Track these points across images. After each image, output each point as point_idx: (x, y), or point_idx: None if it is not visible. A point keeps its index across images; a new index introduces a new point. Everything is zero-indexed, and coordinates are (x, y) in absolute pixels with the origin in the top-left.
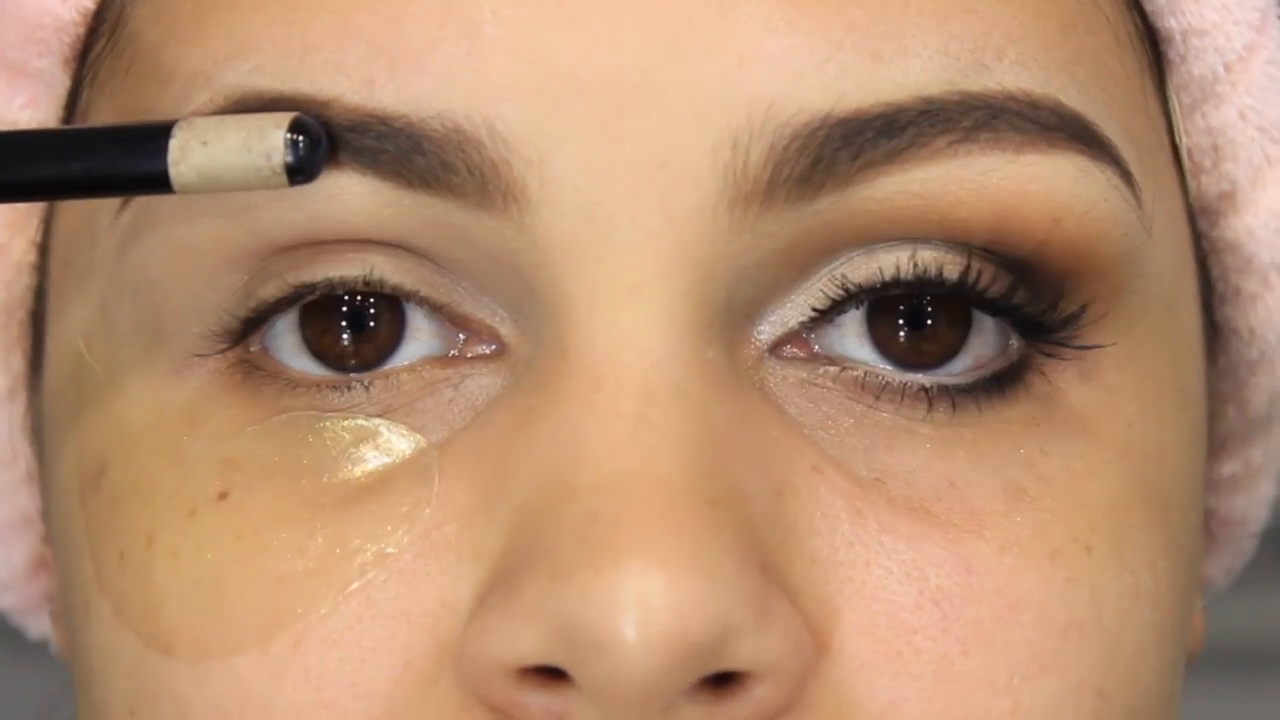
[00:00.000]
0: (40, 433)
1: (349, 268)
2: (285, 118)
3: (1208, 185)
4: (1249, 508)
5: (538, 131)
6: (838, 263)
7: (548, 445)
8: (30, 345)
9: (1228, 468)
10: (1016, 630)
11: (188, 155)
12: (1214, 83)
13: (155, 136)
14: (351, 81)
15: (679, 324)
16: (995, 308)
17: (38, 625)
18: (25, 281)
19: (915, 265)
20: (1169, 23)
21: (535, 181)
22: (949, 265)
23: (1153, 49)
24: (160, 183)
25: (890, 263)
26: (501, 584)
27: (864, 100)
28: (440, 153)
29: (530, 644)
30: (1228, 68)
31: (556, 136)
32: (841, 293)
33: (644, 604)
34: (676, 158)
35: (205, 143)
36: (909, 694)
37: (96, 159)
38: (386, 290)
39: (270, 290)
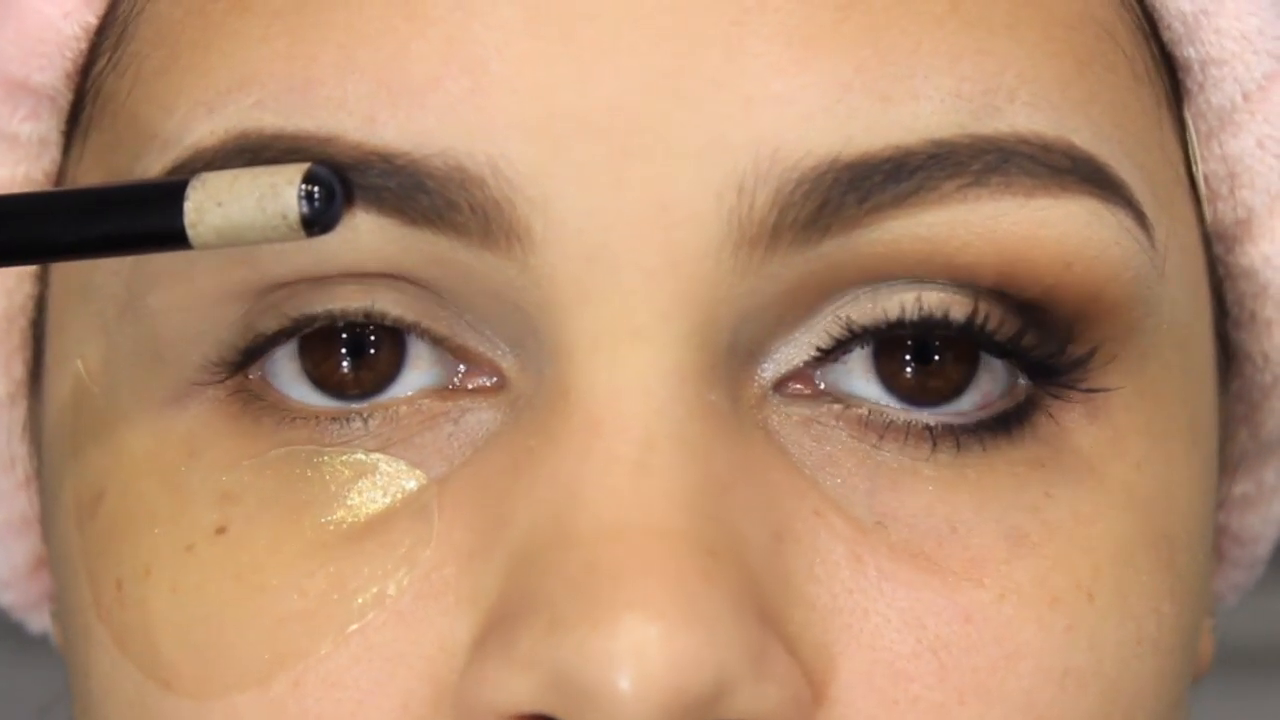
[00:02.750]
0: (39, 439)
1: (350, 300)
2: (298, 171)
3: (1224, 212)
4: (1261, 526)
5: (542, 172)
6: (842, 302)
7: (546, 490)
8: (31, 353)
9: (1240, 487)
10: (1014, 679)
11: (204, 216)
12: (1232, 111)
13: (168, 195)
14: (354, 119)
15: (681, 367)
16: (1003, 350)
17: (39, 621)
18: (26, 290)
19: (921, 308)
20: (1187, 52)
21: (540, 223)
22: (955, 307)
23: (1170, 76)
24: (178, 240)
25: (895, 304)
26: (498, 630)
27: (872, 144)
28: (443, 191)
29: (526, 693)
30: (1246, 97)
31: (561, 177)
32: (846, 333)
33: (640, 657)
34: (680, 201)
35: (220, 204)
36: None
37: (112, 221)
38: (388, 322)
39: (269, 323)
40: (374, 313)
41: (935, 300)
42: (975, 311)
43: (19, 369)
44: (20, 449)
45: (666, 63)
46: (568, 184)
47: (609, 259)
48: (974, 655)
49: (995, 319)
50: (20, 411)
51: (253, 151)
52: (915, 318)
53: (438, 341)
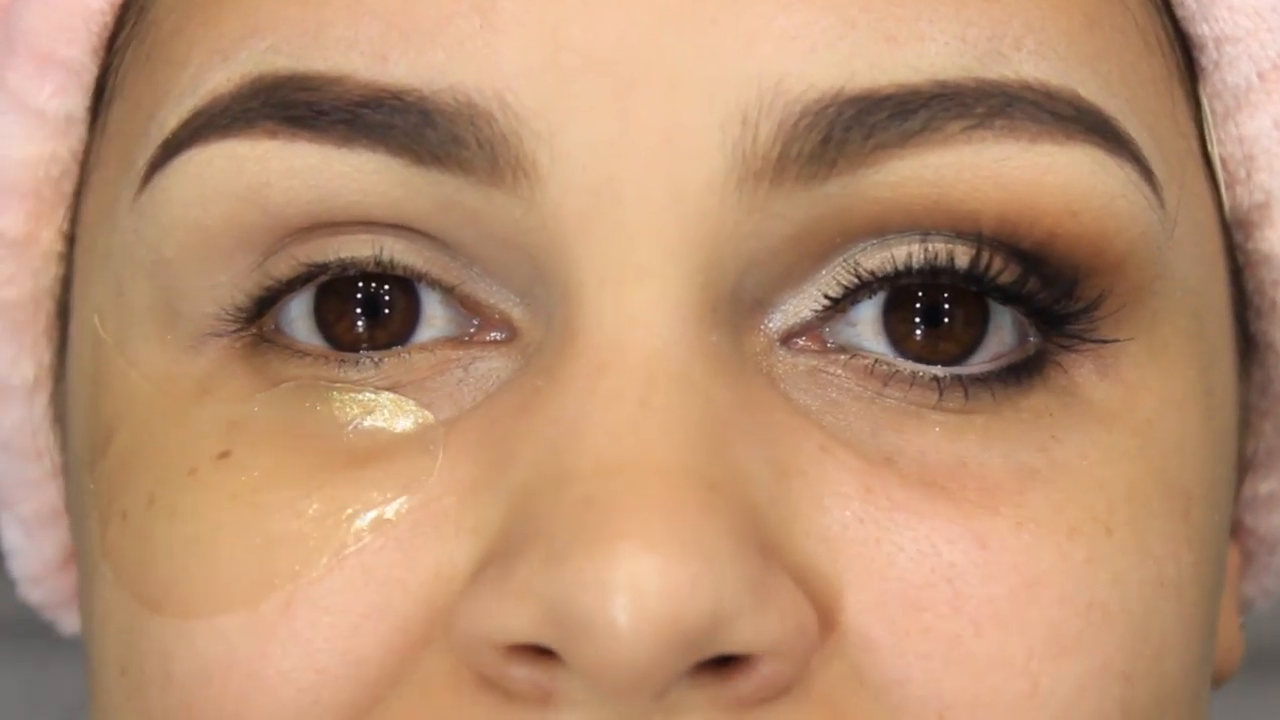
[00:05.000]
0: (64, 422)
1: (360, 249)
2: None
3: (1242, 196)
4: None
5: (548, 105)
6: (850, 251)
7: (550, 428)
8: (58, 336)
9: (1265, 485)
10: (1035, 609)
11: None
12: (1248, 91)
13: None
14: (364, 58)
15: (684, 307)
16: (1008, 295)
17: (70, 621)
18: (53, 272)
19: (926, 252)
20: (1201, 29)
21: (546, 157)
22: (960, 253)
23: (1184, 55)
24: None
25: (903, 250)
26: (497, 561)
27: (876, 80)
28: (451, 126)
29: (522, 624)
30: (1261, 76)
31: (567, 111)
32: (854, 279)
33: (636, 589)
34: (685, 133)
35: None
36: (915, 673)
37: None
38: (397, 271)
39: (282, 269)
40: (383, 260)
41: (941, 247)
42: (979, 256)
43: (46, 353)
44: (47, 438)
45: None
46: (573, 117)
47: (613, 193)
48: (991, 584)
49: (999, 263)
50: (46, 396)
51: (267, 93)
52: (921, 263)
53: (449, 291)
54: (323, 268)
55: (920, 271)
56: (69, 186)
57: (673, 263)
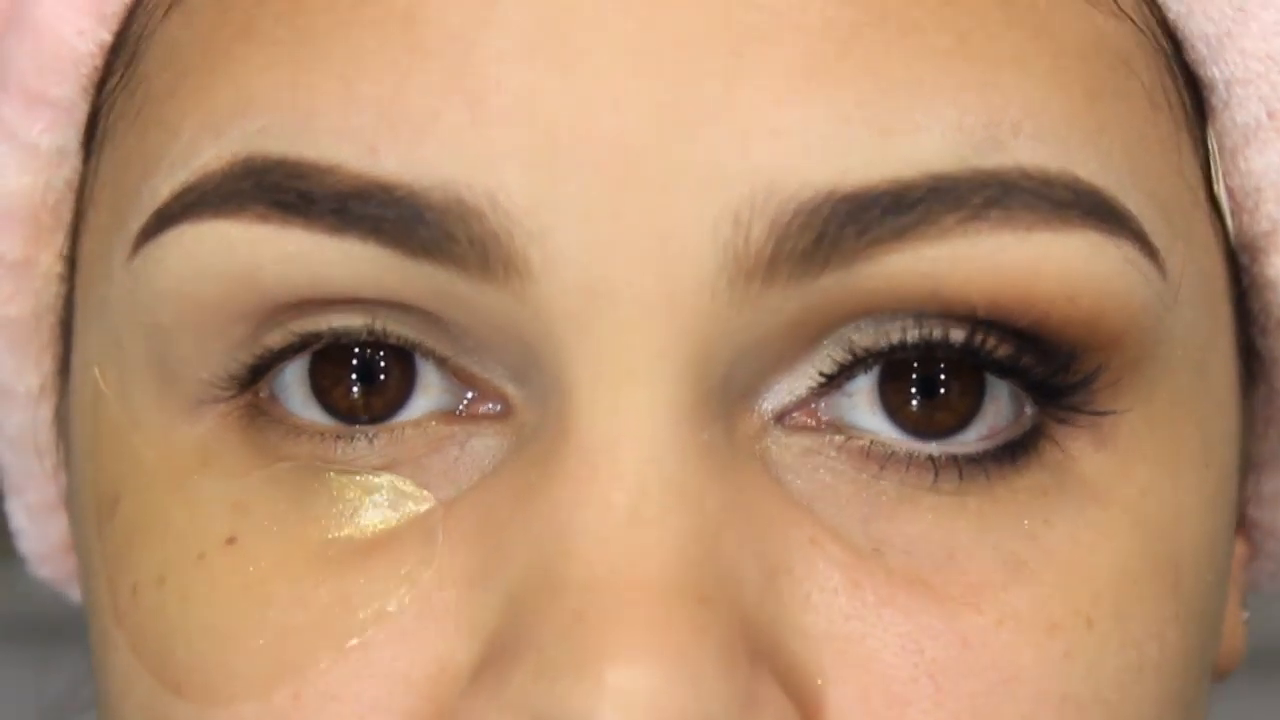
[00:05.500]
0: (66, 431)
1: (354, 319)
2: None
3: (1249, 225)
4: None
5: (540, 203)
6: (843, 330)
7: (542, 530)
8: (60, 349)
9: (1269, 485)
10: (1010, 704)
11: None
12: (1257, 129)
13: None
14: (355, 148)
15: (675, 408)
16: (1004, 369)
17: (78, 592)
18: (54, 290)
19: (921, 330)
20: (1211, 72)
21: (537, 255)
22: (954, 333)
23: (1192, 92)
24: None
25: (897, 327)
26: (492, 667)
27: (870, 177)
28: (441, 223)
29: None
30: (1271, 115)
31: (559, 209)
32: (849, 357)
33: (625, 711)
34: (678, 233)
35: None
36: None
37: None
38: (391, 341)
39: (275, 339)
40: (377, 331)
41: (935, 328)
42: (974, 335)
43: (49, 363)
44: (50, 440)
45: (665, 94)
46: (565, 216)
47: (606, 293)
48: (971, 680)
49: (994, 342)
50: (50, 404)
51: (257, 176)
52: (916, 339)
53: (443, 362)
54: (316, 337)
55: (915, 346)
56: (66, 213)
57: (666, 363)
